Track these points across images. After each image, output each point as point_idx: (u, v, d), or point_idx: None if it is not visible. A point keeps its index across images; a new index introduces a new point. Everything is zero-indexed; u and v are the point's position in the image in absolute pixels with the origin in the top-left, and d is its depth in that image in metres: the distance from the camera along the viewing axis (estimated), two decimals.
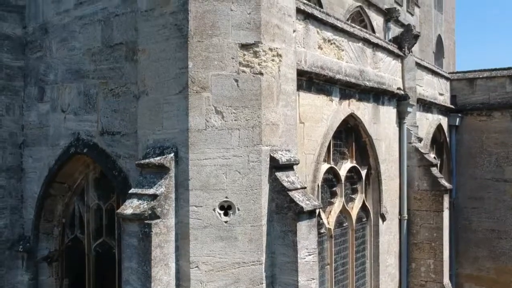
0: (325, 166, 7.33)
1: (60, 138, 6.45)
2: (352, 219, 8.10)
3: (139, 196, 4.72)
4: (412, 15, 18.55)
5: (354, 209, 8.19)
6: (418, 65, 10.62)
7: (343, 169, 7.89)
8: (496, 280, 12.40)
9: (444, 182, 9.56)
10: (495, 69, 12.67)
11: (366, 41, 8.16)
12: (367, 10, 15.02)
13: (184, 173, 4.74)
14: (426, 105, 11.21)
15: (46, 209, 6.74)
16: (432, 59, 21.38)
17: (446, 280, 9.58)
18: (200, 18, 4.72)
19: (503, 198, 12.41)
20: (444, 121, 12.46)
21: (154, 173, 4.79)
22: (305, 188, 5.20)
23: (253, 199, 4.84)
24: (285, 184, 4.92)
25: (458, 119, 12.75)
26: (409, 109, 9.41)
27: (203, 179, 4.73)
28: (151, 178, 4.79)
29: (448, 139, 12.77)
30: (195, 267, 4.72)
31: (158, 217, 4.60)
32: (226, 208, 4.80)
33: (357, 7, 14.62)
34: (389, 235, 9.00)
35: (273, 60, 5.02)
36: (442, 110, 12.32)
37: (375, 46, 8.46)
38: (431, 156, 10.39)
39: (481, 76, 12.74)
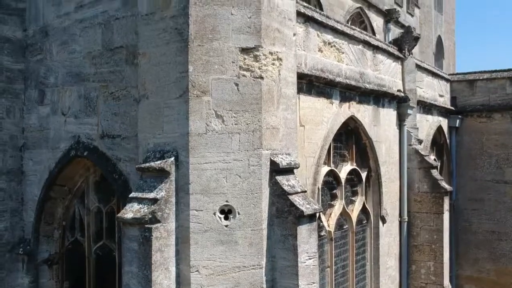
0: (325, 169, 7.33)
1: (61, 141, 6.45)
2: (352, 222, 8.10)
3: (140, 200, 4.72)
4: (412, 16, 18.56)
5: (354, 212, 8.19)
6: (418, 67, 10.62)
7: (343, 171, 7.88)
8: (496, 281, 12.40)
9: (444, 184, 9.56)
10: (495, 71, 12.67)
11: (366, 44, 8.17)
12: (367, 11, 15.02)
13: (184, 177, 4.74)
14: (426, 107, 11.21)
15: (46, 212, 6.74)
16: (432, 60, 21.39)
17: (446, 282, 9.59)
18: (200, 22, 4.73)
19: (503, 199, 12.40)
20: (444, 122, 12.46)
21: (155, 177, 4.79)
22: (305, 192, 5.20)
23: (253, 203, 4.84)
24: (286, 188, 4.93)
25: (458, 120, 12.75)
26: (409, 111, 9.41)
27: (203, 183, 4.74)
28: (152, 182, 4.79)
29: (448, 140, 12.77)
30: (196, 271, 4.72)
31: (159, 221, 4.60)
32: (227, 212, 4.81)
33: (357, 8, 14.63)
34: (389, 237, 9.00)
35: (273, 64, 5.03)
36: (442, 111, 12.32)
37: (375, 49, 8.46)
38: (431, 158, 10.40)
39: (481, 78, 12.74)
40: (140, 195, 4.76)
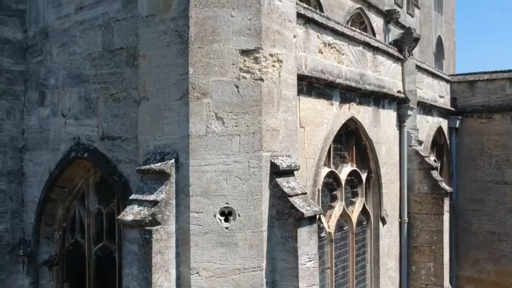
0: (325, 170, 7.33)
1: (61, 142, 6.46)
2: (353, 223, 8.10)
3: (140, 202, 4.72)
4: (412, 16, 18.56)
5: (355, 213, 8.19)
6: (419, 68, 10.62)
7: (344, 172, 7.88)
8: (496, 282, 12.40)
9: (444, 185, 9.56)
10: (496, 72, 12.68)
11: (367, 45, 8.17)
12: (367, 12, 15.02)
13: (184, 179, 4.74)
14: (427, 108, 11.22)
15: (46, 213, 6.74)
16: (432, 60, 21.40)
17: (446, 283, 9.59)
18: (200, 24, 4.73)
19: (503, 200, 12.40)
20: (444, 123, 12.46)
21: (155, 179, 4.79)
22: (305, 194, 5.20)
23: (253, 205, 4.84)
24: (286, 190, 4.93)
25: (458, 121, 12.75)
26: (409, 112, 9.41)
27: (203, 185, 4.74)
28: (152, 184, 4.79)
29: (448, 141, 12.77)
30: (196, 273, 4.72)
31: (159, 224, 4.60)
32: (227, 214, 4.81)
33: (357, 9, 14.63)
34: (389, 238, 9.00)
35: (273, 66, 5.03)
36: (443, 112, 12.32)
37: (376, 50, 8.46)
38: (431, 159, 10.39)
39: (481, 79, 12.74)
40: (140, 197, 4.76)
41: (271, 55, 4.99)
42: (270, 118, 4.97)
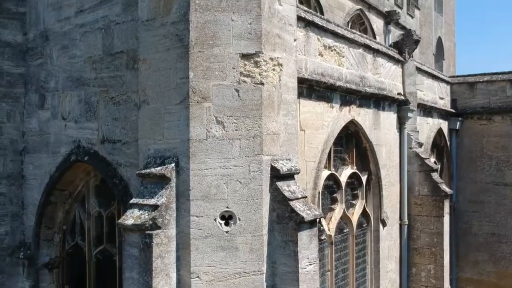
0: (325, 173, 7.33)
1: (61, 145, 6.45)
2: (353, 225, 8.10)
3: (140, 206, 4.72)
4: (412, 17, 18.56)
5: (355, 215, 8.19)
6: (419, 69, 10.62)
7: (344, 175, 7.89)
8: (496, 284, 12.40)
9: (444, 187, 9.57)
10: (496, 73, 12.69)
11: (367, 47, 8.17)
12: (367, 13, 15.02)
13: (185, 183, 4.74)
14: (427, 110, 11.22)
15: (46, 216, 6.73)
16: (432, 61, 21.40)
17: (446, 285, 9.59)
18: (201, 28, 4.73)
19: (503, 202, 12.41)
20: (444, 125, 12.47)
21: (155, 183, 4.79)
22: (306, 197, 5.20)
23: (254, 209, 4.84)
24: (286, 194, 4.93)
25: (458, 123, 12.76)
26: (409, 114, 9.41)
27: (204, 189, 4.74)
28: (152, 188, 4.79)
29: (448, 143, 12.77)
30: (196, 277, 4.72)
31: (159, 228, 4.60)
32: (227, 218, 4.80)
33: (357, 10, 14.63)
34: (389, 241, 9.00)
35: (274, 70, 5.03)
36: (443, 114, 12.33)
37: (376, 52, 8.46)
38: (432, 161, 10.39)
39: (481, 80, 12.75)
40: (140, 201, 4.76)
41: (271, 59, 4.99)
42: (270, 122, 4.97)
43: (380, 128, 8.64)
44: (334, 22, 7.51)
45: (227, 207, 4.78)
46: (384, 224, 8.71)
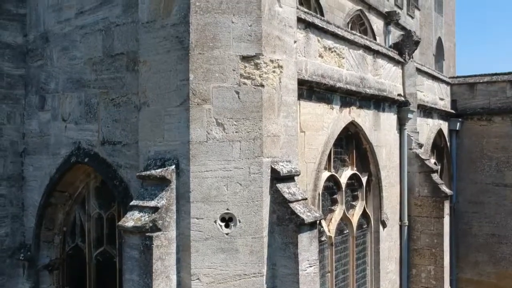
0: (325, 174, 7.33)
1: (61, 147, 6.46)
2: (353, 226, 8.10)
3: (140, 209, 4.72)
4: (412, 18, 18.56)
5: (355, 216, 8.19)
6: (419, 70, 10.62)
7: (344, 176, 7.89)
8: (496, 284, 12.40)
9: (444, 188, 9.56)
10: (496, 74, 12.69)
11: (367, 48, 8.17)
12: (367, 14, 15.02)
13: (185, 185, 4.74)
14: (427, 111, 11.22)
15: (47, 218, 6.74)
16: (432, 62, 21.40)
17: (446, 286, 9.59)
18: (201, 31, 4.73)
19: (503, 203, 12.42)
20: (444, 126, 12.47)
21: (155, 185, 4.79)
22: (306, 199, 5.20)
23: (254, 211, 4.84)
24: (286, 195, 4.93)
25: (458, 123, 12.76)
26: (409, 115, 9.41)
27: (204, 191, 4.74)
28: (152, 190, 4.79)
29: (448, 143, 12.77)
30: (196, 279, 4.72)
31: (159, 230, 4.60)
32: (227, 220, 4.80)
33: (357, 10, 14.62)
34: (389, 242, 9.00)
35: (274, 72, 5.03)
36: (443, 115, 12.33)
37: (376, 53, 8.46)
38: (432, 162, 10.39)
39: (481, 81, 12.75)
40: (141, 203, 4.76)
41: (271, 61, 4.99)
42: (270, 124, 4.97)
43: (380, 129, 8.64)
44: (334, 24, 7.51)
45: (227, 209, 4.78)
46: (384, 225, 8.71)
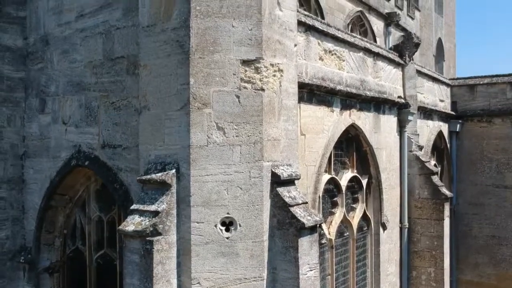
0: (326, 177, 7.32)
1: (61, 150, 6.46)
2: (353, 229, 8.10)
3: (141, 213, 4.72)
4: (412, 19, 18.57)
5: (355, 219, 8.19)
6: (419, 72, 10.62)
7: (344, 179, 7.88)
8: (496, 286, 12.41)
9: (445, 190, 9.56)
10: (496, 76, 12.69)
11: (367, 51, 8.17)
12: (367, 15, 15.03)
13: (185, 189, 4.74)
14: (427, 112, 11.22)
15: (47, 221, 6.74)
16: (433, 63, 21.40)
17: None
18: (201, 35, 4.73)
19: (503, 204, 12.42)
20: (444, 127, 12.47)
21: (156, 189, 4.79)
22: (306, 203, 5.20)
23: (254, 215, 4.84)
24: (287, 199, 4.93)
25: (458, 125, 12.76)
26: (409, 117, 9.41)
27: (204, 195, 4.74)
28: (153, 194, 4.79)
29: (448, 145, 12.77)
30: (197, 283, 4.72)
31: (160, 234, 4.60)
32: (228, 224, 4.80)
33: (358, 11, 14.63)
34: (390, 244, 9.00)
35: (274, 76, 5.03)
36: (443, 116, 12.33)
37: (376, 55, 8.46)
38: (432, 164, 10.40)
39: (481, 83, 12.76)
40: (141, 207, 4.76)
41: (272, 65, 4.99)
42: (271, 127, 4.97)
43: (381, 131, 8.64)
44: (334, 26, 7.51)
45: (228, 213, 4.78)
46: (384, 228, 8.71)
